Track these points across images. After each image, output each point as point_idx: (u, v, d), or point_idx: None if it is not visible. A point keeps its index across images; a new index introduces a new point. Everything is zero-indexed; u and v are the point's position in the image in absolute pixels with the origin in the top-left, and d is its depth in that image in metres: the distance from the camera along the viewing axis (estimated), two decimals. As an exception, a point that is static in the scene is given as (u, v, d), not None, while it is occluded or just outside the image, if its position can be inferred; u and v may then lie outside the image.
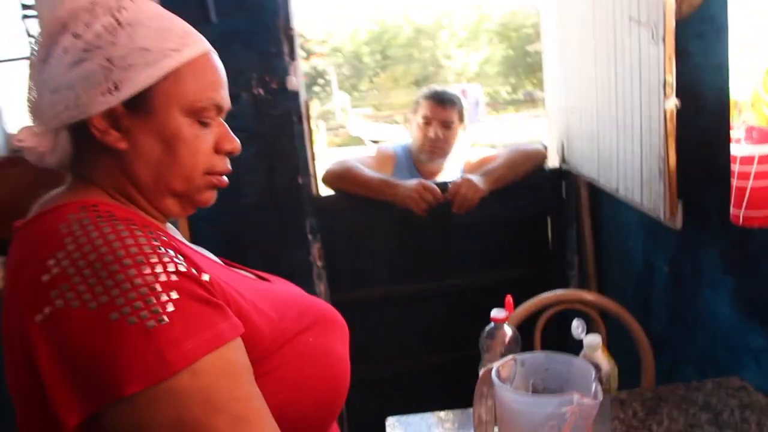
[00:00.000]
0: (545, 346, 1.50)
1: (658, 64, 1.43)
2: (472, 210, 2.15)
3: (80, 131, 0.77)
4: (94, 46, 0.74)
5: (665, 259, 1.83)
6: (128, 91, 0.75)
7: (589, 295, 1.74)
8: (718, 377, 1.42)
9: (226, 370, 0.67)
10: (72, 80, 0.74)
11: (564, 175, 2.30)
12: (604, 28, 1.72)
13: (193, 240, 2.22)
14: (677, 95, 1.46)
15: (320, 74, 24.30)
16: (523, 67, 20.57)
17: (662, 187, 1.47)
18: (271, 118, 2.19)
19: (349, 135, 16.03)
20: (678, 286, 1.79)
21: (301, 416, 0.83)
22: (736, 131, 1.21)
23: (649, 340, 1.80)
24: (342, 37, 24.17)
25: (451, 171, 2.47)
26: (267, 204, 2.23)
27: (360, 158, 2.44)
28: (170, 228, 0.90)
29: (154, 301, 0.65)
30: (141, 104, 0.77)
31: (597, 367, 1.18)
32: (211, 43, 1.67)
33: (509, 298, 1.27)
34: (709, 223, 1.56)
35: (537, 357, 1.12)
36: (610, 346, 1.29)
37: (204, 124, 0.83)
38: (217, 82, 0.84)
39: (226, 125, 0.87)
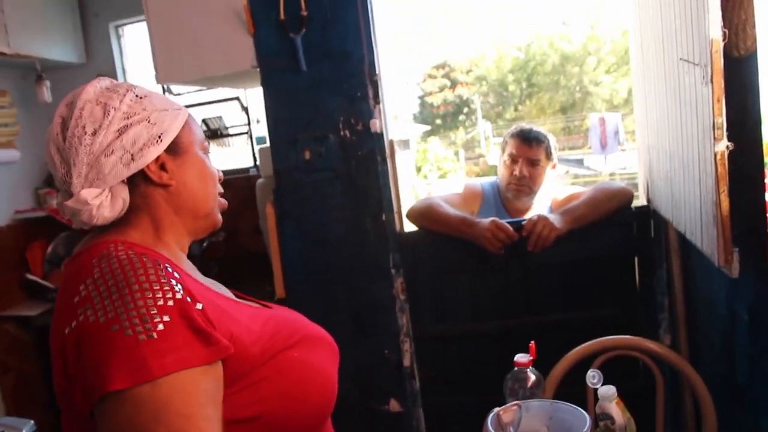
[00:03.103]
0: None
1: (709, 105, 1.38)
2: (550, 248, 2.13)
3: (131, 182, 0.97)
4: (132, 114, 0.96)
5: (746, 306, 1.72)
6: (168, 139, 0.98)
7: (647, 343, 1.67)
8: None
9: (183, 389, 0.79)
10: (123, 142, 0.94)
11: (653, 214, 2.21)
12: (669, 66, 1.67)
13: (285, 276, 2.40)
14: (740, 135, 1.41)
15: (465, 103, 24.47)
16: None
17: (716, 232, 1.41)
18: (356, 159, 2.31)
19: (488, 164, 16.00)
20: (758, 335, 1.68)
21: (285, 424, 0.95)
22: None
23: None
24: (487, 66, 24.20)
25: (538, 208, 2.46)
26: (352, 239, 2.35)
27: (447, 195, 2.50)
28: (187, 264, 1.05)
29: (149, 320, 0.80)
30: (176, 149, 1.00)
31: (611, 419, 1.16)
32: (302, 89, 1.88)
33: (533, 345, 1.28)
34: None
35: (543, 405, 1.13)
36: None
37: (207, 157, 1.08)
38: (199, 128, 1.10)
39: None
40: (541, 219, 2.13)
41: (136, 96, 0.97)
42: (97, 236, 0.98)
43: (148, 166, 0.96)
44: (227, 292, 1.07)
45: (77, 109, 0.94)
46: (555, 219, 2.14)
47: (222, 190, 1.10)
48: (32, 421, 1.68)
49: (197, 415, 0.79)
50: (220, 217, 1.09)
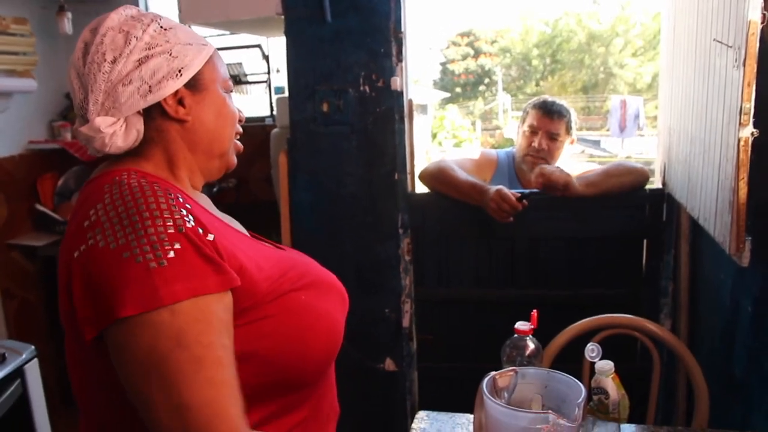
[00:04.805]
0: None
1: (738, 89, 1.35)
2: (559, 224, 2.12)
3: (148, 113, 0.95)
4: (154, 45, 0.94)
5: (750, 298, 1.71)
6: (188, 74, 0.96)
7: (649, 324, 1.67)
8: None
9: (201, 317, 0.80)
10: (142, 73, 0.92)
11: (667, 198, 2.19)
12: (701, 48, 1.64)
13: (293, 227, 2.40)
14: (766, 121, 1.38)
15: (486, 74, 24.20)
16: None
17: (730, 219, 1.39)
18: (374, 115, 2.29)
19: (504, 137, 15.88)
20: (760, 329, 1.67)
21: (285, 364, 0.94)
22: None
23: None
24: (512, 38, 23.87)
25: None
26: (363, 196, 2.34)
27: (461, 160, 2.48)
28: (202, 198, 1.05)
29: (159, 248, 0.80)
30: (196, 84, 0.98)
31: (605, 393, 1.16)
32: (325, 41, 1.78)
33: (535, 313, 1.27)
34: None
35: (539, 373, 1.13)
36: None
37: (229, 97, 1.05)
38: (225, 66, 1.07)
39: None
40: (552, 167, 2.16)
41: (161, 27, 0.95)
42: (110, 165, 0.97)
43: (165, 100, 0.94)
44: (242, 229, 1.07)
45: (99, 35, 0.92)
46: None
47: (241, 131, 1.07)
48: (33, 346, 1.70)
49: (216, 344, 0.80)
50: (234, 159, 1.08)
